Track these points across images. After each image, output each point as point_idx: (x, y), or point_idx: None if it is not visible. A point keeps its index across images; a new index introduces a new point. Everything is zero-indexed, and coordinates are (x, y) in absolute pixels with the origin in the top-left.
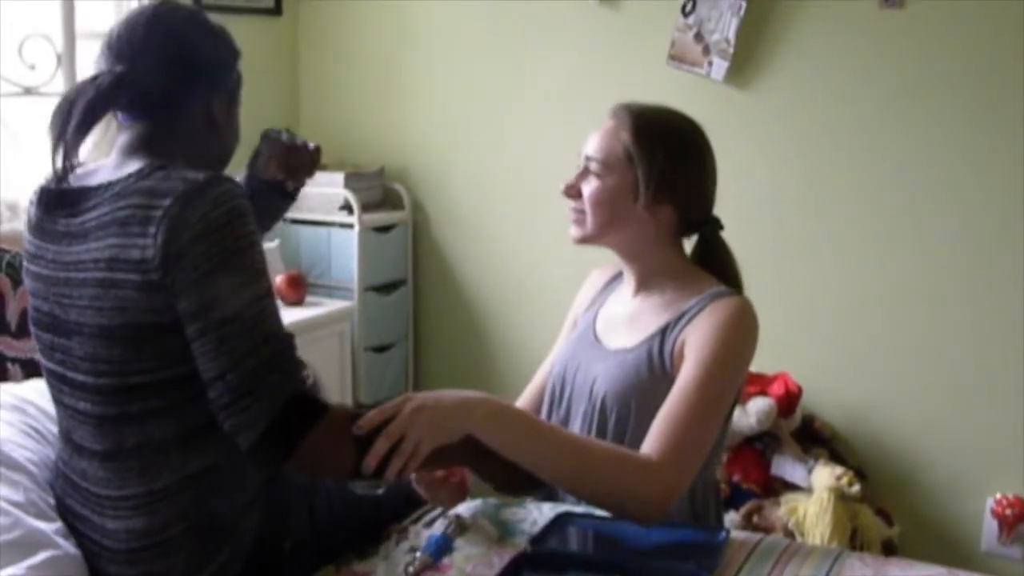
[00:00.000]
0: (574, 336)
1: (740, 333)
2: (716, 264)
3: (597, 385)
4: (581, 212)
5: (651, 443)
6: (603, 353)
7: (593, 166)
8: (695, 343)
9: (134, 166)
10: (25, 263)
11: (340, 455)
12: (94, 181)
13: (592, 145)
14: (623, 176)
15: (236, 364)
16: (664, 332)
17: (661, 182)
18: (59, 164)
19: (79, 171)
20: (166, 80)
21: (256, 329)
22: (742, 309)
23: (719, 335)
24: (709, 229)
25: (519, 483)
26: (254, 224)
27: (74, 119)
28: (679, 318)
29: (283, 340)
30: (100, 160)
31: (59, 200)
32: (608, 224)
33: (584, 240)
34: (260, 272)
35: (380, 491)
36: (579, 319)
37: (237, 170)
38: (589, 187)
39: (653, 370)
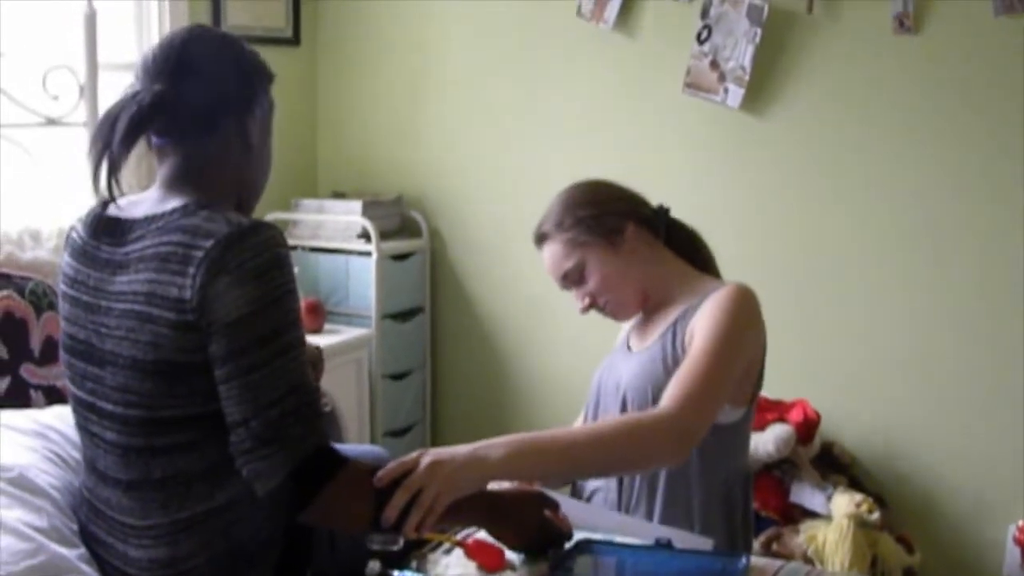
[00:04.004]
0: (612, 354)
1: (743, 305)
2: (685, 242)
3: (621, 385)
4: (609, 305)
5: (662, 399)
6: (627, 356)
7: (574, 277)
8: (700, 323)
9: (178, 201)
10: (62, 287)
11: (356, 508)
12: (138, 213)
13: (554, 272)
14: (591, 254)
15: (260, 412)
16: (675, 326)
17: (603, 224)
18: (103, 180)
19: (123, 202)
20: (202, 101)
21: (283, 379)
22: (739, 287)
23: (723, 308)
24: (661, 217)
25: (534, 545)
26: (292, 274)
27: (118, 133)
28: (686, 312)
29: (309, 392)
30: (141, 193)
31: (105, 228)
32: (630, 286)
33: (636, 313)
34: (293, 323)
35: (396, 547)
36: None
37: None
38: (591, 288)
39: (667, 362)
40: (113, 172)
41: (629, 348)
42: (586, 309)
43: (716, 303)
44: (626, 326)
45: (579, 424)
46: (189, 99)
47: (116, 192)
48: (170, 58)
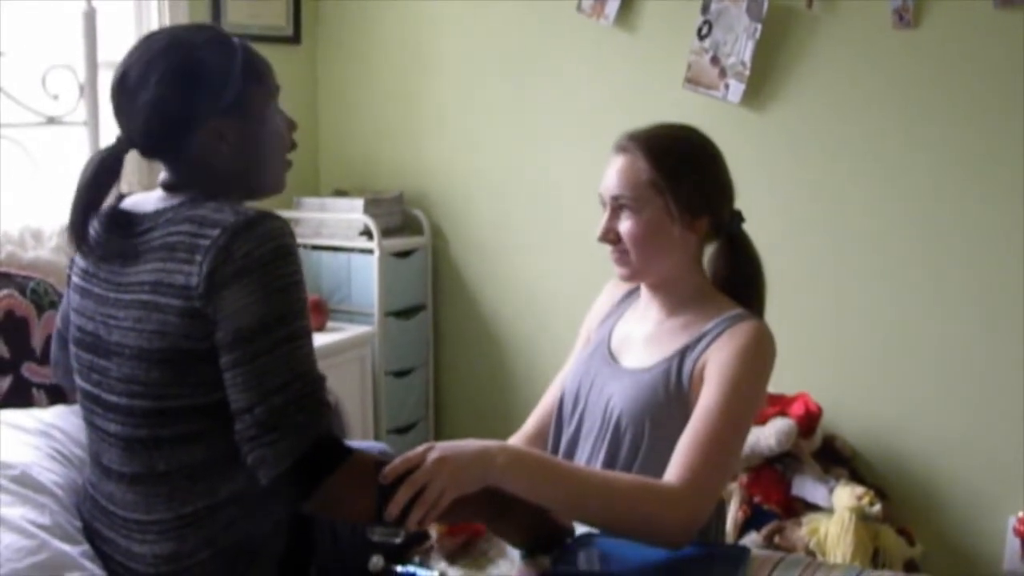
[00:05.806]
0: (588, 352)
1: (761, 359)
2: (741, 258)
3: (612, 404)
4: (624, 252)
5: (675, 469)
6: (618, 371)
7: (624, 203)
8: (716, 367)
9: (185, 195)
10: (75, 279)
11: (359, 500)
12: (149, 207)
13: (615, 184)
14: (655, 205)
15: (264, 399)
16: (683, 353)
17: (692, 199)
18: (74, 240)
19: (131, 199)
20: (155, 128)
21: (288, 367)
22: (762, 334)
23: (741, 360)
24: (735, 224)
25: (536, 542)
26: (298, 263)
27: (83, 197)
28: (698, 340)
29: (314, 381)
30: (148, 192)
31: (118, 222)
32: (654, 256)
33: (633, 278)
34: (298, 312)
35: (398, 540)
36: (592, 333)
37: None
38: (626, 226)
39: (669, 391)
40: (80, 237)
41: (612, 355)
42: (603, 238)
43: (736, 350)
44: (592, 322)
45: (530, 424)
46: (139, 133)
47: (83, 248)
48: (113, 96)
